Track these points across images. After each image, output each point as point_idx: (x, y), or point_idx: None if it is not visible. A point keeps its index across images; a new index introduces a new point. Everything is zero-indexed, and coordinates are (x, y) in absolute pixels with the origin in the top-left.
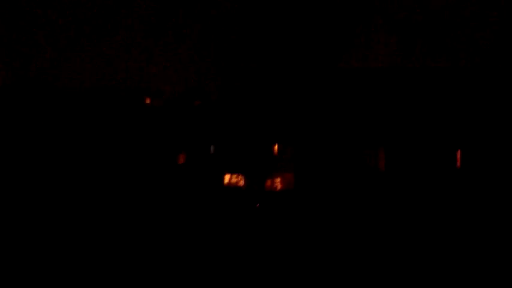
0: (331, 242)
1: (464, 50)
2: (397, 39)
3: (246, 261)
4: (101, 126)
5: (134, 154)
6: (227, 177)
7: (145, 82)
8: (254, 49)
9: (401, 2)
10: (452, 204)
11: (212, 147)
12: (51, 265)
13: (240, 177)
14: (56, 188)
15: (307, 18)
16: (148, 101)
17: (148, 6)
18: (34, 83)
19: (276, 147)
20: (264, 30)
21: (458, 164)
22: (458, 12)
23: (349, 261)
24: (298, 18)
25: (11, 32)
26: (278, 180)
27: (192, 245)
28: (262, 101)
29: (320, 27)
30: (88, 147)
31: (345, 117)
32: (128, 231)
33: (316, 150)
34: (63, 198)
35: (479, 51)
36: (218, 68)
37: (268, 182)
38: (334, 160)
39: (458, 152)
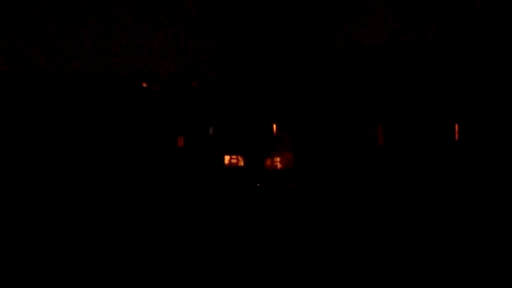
0: (332, 219)
1: (462, 21)
2: (395, 14)
3: (248, 240)
4: (99, 112)
5: (133, 139)
6: (227, 158)
7: (140, 66)
8: (250, 28)
9: None
10: (451, 177)
11: (211, 129)
12: (43, 250)
13: (239, 157)
14: (54, 172)
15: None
16: (145, 85)
17: None
18: (31, 70)
19: (274, 126)
20: (259, 8)
21: (457, 137)
22: None
23: (351, 240)
24: None
25: (5, 19)
26: (278, 159)
27: (194, 227)
28: (259, 81)
29: (315, 4)
30: (86, 133)
31: (343, 94)
32: (129, 215)
33: (315, 129)
34: (62, 182)
35: (477, 22)
36: (215, 48)
37: (268, 162)
38: (333, 138)
39: (456, 126)
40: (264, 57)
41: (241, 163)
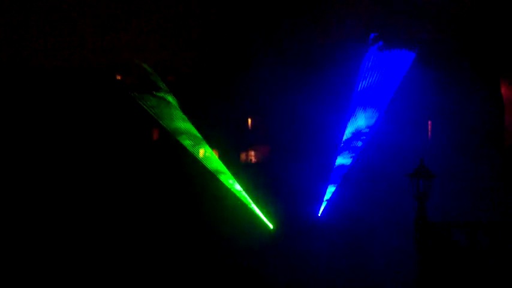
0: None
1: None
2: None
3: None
4: (76, 104)
5: (109, 130)
6: (201, 152)
7: (115, 58)
8: (231, 24)
9: None
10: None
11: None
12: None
13: (214, 151)
14: (39, 166)
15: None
16: (119, 77)
17: None
18: (11, 64)
19: (250, 120)
20: (239, 10)
21: (429, 134)
22: None
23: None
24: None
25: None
26: (252, 153)
27: (171, 219)
28: (235, 76)
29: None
30: (64, 125)
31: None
32: (111, 209)
33: (290, 124)
34: (46, 174)
35: (445, 26)
36: (191, 42)
37: (243, 155)
38: (307, 132)
39: (429, 123)
40: (242, 53)
41: (217, 156)
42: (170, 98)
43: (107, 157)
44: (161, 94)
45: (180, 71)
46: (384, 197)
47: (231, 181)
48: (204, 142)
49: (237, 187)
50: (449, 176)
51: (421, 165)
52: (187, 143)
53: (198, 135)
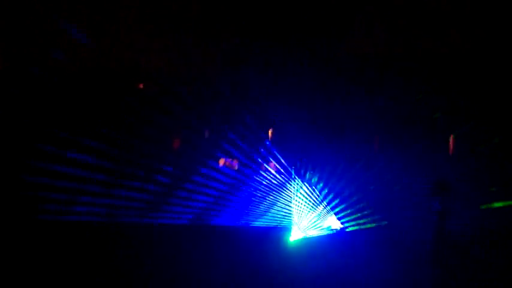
0: None
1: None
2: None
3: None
4: (94, 110)
5: (128, 138)
6: (222, 161)
7: (137, 66)
8: (252, 33)
9: None
10: None
11: (207, 132)
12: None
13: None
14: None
15: (302, 7)
16: (141, 86)
17: None
18: (28, 66)
19: (270, 131)
20: (253, 18)
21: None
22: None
23: None
24: (293, 5)
25: (5, 18)
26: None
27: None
28: (258, 85)
29: (314, 15)
30: (81, 132)
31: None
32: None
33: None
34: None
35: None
36: (217, 52)
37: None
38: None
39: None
40: (264, 63)
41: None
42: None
43: (124, 164)
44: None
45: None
46: None
47: None
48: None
49: None
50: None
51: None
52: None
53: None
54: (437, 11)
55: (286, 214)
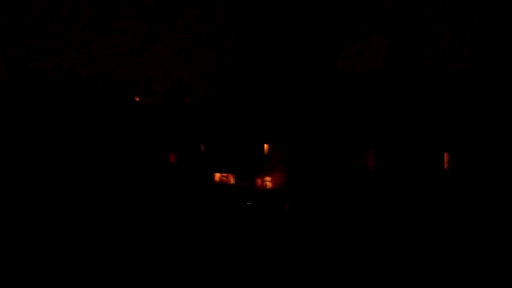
0: (322, 241)
1: (455, 54)
2: (391, 43)
3: (238, 259)
4: (92, 125)
5: (125, 153)
6: (217, 176)
7: (135, 79)
8: (248, 49)
9: (395, 5)
10: (440, 205)
11: (202, 146)
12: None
13: (230, 176)
14: (48, 181)
15: (303, 22)
16: (137, 99)
17: (141, 4)
18: (30, 78)
19: (266, 146)
20: (258, 31)
21: (446, 166)
22: (450, 16)
23: (339, 259)
24: (294, 21)
25: (9, 28)
26: (268, 179)
27: (184, 243)
28: (254, 100)
29: (315, 30)
30: (79, 146)
31: (336, 118)
32: (121, 228)
33: (307, 150)
34: (55, 192)
35: (470, 55)
36: (211, 65)
37: (259, 181)
38: (324, 161)
39: (446, 154)
40: (260, 77)
41: (232, 181)
42: (186, 120)
43: (124, 177)
44: (178, 116)
45: (198, 92)
46: None
47: None
48: (219, 166)
49: None
50: None
51: None
52: (202, 167)
53: None
54: None
55: None
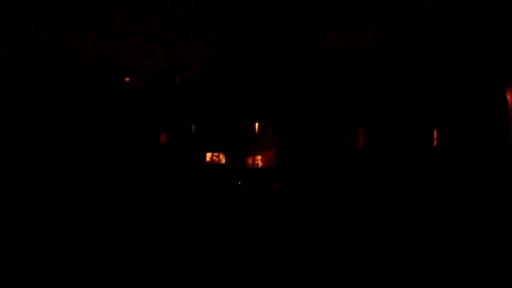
0: (312, 219)
1: (440, 30)
2: (377, 20)
3: (230, 238)
4: (83, 106)
5: (116, 134)
6: (208, 156)
7: (124, 59)
8: (237, 29)
9: None
10: (428, 181)
11: (193, 126)
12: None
13: (221, 155)
14: (39, 166)
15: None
16: (127, 79)
17: None
18: (19, 64)
19: (257, 125)
20: (247, 10)
21: (435, 142)
22: None
23: (330, 239)
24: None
25: None
26: (259, 157)
27: (175, 222)
28: (244, 79)
29: (302, 9)
30: (70, 127)
31: (325, 96)
32: (113, 210)
33: (297, 129)
34: (45, 173)
35: (455, 32)
36: (200, 46)
37: (250, 160)
38: (314, 138)
39: (435, 130)
40: (249, 56)
41: (223, 161)
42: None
43: (112, 159)
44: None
45: (188, 72)
46: None
47: None
48: (210, 146)
49: None
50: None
51: None
52: (193, 147)
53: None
54: None
55: None
